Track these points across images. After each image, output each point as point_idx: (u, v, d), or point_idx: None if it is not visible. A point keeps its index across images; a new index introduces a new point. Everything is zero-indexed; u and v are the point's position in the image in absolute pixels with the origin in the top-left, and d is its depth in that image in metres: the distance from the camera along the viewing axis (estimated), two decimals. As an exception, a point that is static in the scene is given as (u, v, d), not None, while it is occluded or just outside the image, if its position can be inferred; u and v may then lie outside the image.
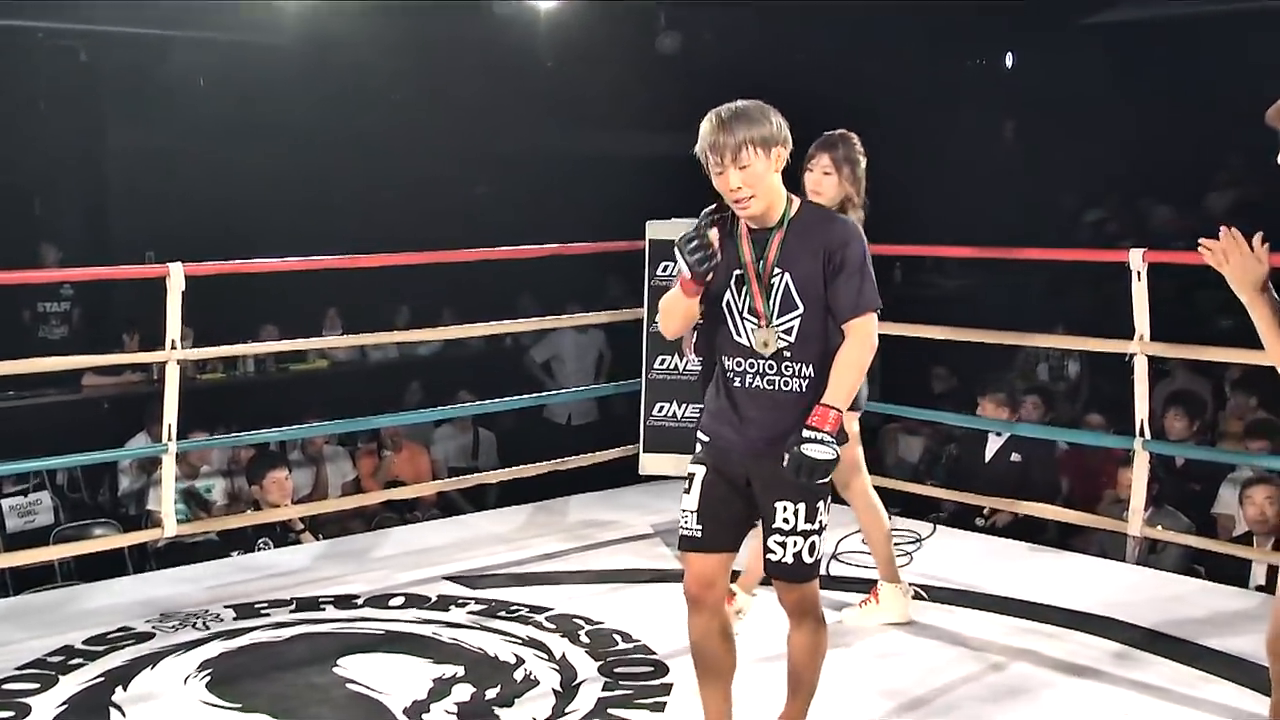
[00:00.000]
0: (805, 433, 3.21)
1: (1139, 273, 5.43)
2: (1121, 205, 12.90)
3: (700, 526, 3.44)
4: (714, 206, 3.40)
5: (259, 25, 10.88)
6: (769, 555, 3.42)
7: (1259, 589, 5.61)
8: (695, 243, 3.28)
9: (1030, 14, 12.60)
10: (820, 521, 3.41)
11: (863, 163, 4.53)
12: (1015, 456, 7.21)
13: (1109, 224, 12.57)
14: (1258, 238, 3.11)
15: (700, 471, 3.47)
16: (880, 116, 12.14)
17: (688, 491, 3.48)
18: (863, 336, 3.33)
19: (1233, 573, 5.73)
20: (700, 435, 3.50)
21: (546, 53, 12.19)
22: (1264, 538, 5.88)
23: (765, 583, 4.04)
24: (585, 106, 12.27)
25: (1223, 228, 3.15)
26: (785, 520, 3.38)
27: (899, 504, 6.73)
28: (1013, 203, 11.20)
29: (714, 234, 3.32)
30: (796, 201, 3.41)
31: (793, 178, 4.00)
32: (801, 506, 3.37)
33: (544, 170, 12.66)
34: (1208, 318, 10.28)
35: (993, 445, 7.31)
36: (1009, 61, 14.67)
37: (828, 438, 3.21)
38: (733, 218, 3.40)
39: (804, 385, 3.35)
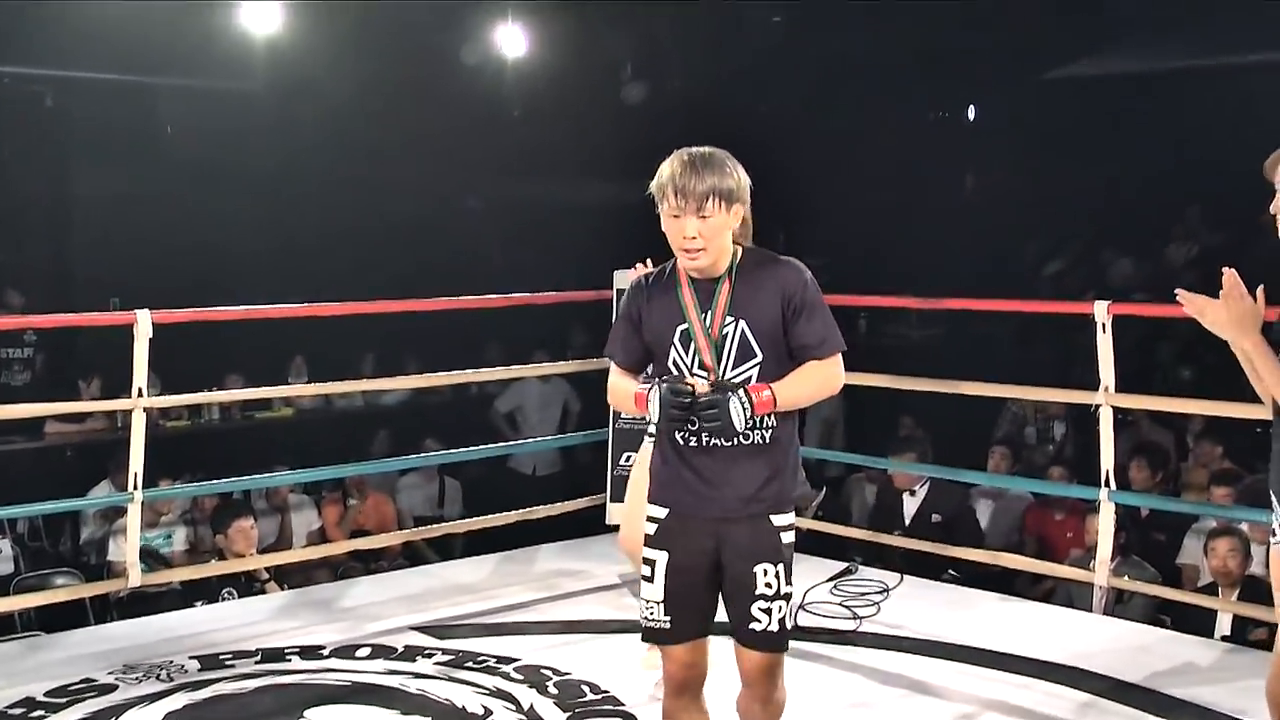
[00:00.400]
0: (743, 392, 3.09)
1: (1103, 325, 5.48)
2: (1081, 257, 13.02)
3: (669, 618, 3.26)
4: (666, 266, 3.30)
5: (226, 71, 10.88)
6: (752, 625, 3.23)
7: (1224, 639, 5.64)
8: (685, 406, 3.10)
9: (993, 68, 12.75)
10: (792, 581, 3.28)
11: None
12: (935, 517, 7.09)
13: (1068, 276, 12.68)
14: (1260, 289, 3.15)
15: (662, 559, 3.27)
16: (844, 167, 12.32)
17: (650, 580, 3.28)
18: (830, 372, 3.22)
19: (1198, 623, 5.76)
20: (654, 511, 3.30)
21: (514, 101, 12.23)
22: (1228, 588, 5.92)
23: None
24: (552, 155, 12.31)
25: (1225, 270, 3.16)
26: (768, 585, 3.21)
27: (863, 554, 6.75)
28: (974, 254, 11.30)
29: (700, 387, 3.15)
30: (739, 249, 3.26)
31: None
32: (780, 568, 3.24)
33: (511, 219, 12.68)
34: (1169, 369, 10.39)
35: (910, 507, 7.20)
36: (971, 114, 14.83)
37: (749, 412, 3.09)
38: (671, 268, 3.29)
39: (766, 436, 3.21)
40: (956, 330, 11.12)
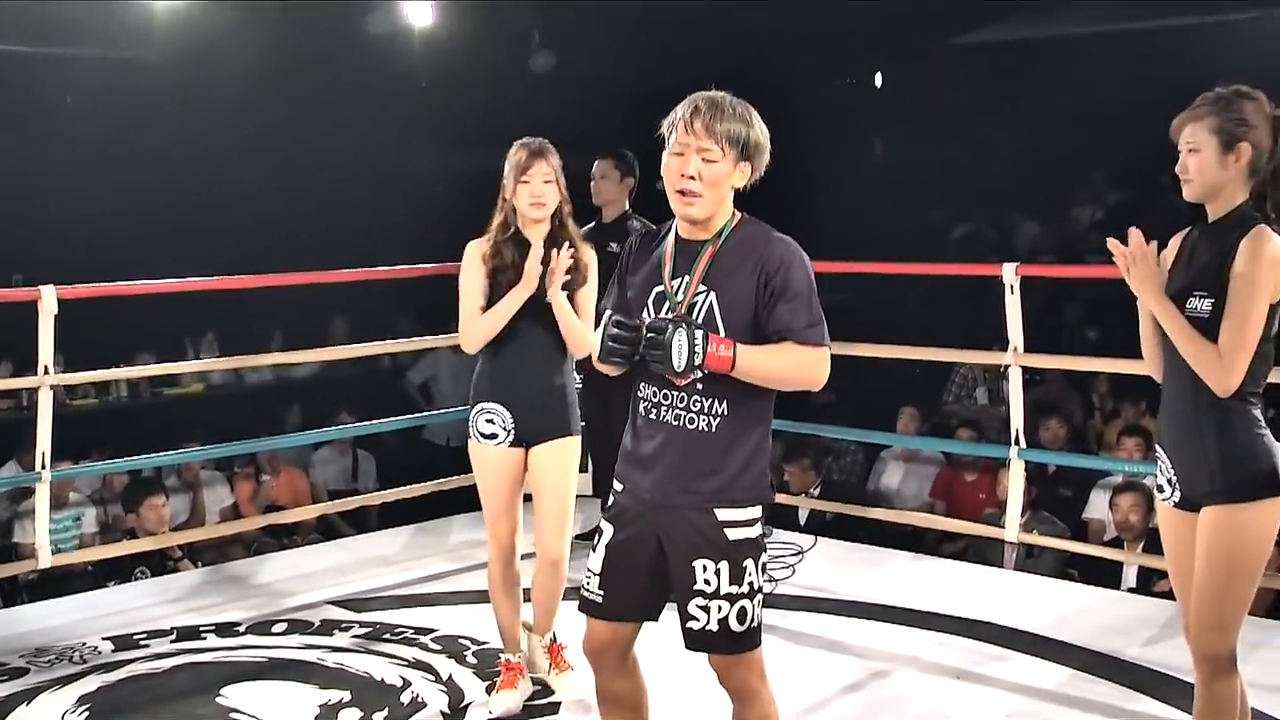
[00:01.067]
0: (699, 332, 2.85)
1: (1011, 286, 5.55)
2: (988, 220, 13.18)
3: (601, 592, 3.10)
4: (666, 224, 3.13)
5: (129, 41, 10.67)
6: (690, 624, 3.02)
7: (1130, 590, 5.79)
8: (625, 340, 2.89)
9: (900, 34, 12.84)
10: (750, 584, 3.01)
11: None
12: (829, 515, 7.02)
13: (976, 238, 12.83)
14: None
15: (608, 532, 3.12)
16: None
17: (594, 550, 3.14)
18: (809, 359, 2.95)
19: (1105, 575, 5.90)
20: (615, 482, 3.14)
21: (421, 71, 12.13)
22: (1133, 542, 6.05)
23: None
24: (460, 124, 12.21)
25: (1132, 230, 3.20)
26: (706, 581, 2.98)
27: (778, 517, 6.80)
28: (883, 218, 11.39)
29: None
30: (739, 216, 3.04)
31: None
32: (724, 565, 2.98)
33: (420, 188, 12.58)
34: (1074, 329, 10.57)
35: (804, 511, 7.18)
36: (879, 81, 14.93)
37: (696, 357, 2.84)
38: (669, 226, 3.09)
39: (714, 424, 2.97)
40: (867, 294, 11.20)
